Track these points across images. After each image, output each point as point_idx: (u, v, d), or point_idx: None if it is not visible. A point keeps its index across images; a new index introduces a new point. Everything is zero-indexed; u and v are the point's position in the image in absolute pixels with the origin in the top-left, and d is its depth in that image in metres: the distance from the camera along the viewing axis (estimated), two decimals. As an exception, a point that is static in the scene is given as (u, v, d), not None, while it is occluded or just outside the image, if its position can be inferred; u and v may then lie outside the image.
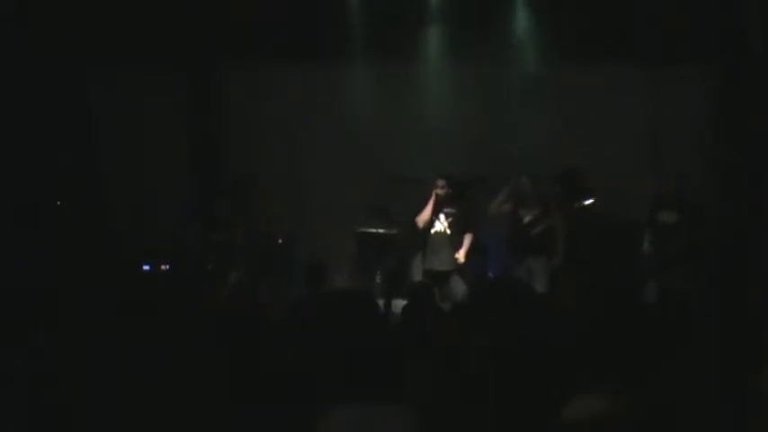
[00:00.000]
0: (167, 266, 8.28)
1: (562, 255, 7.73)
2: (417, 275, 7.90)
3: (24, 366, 4.19)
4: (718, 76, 8.89)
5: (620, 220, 8.30)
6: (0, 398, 3.82)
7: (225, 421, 3.50)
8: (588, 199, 8.18)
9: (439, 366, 3.72)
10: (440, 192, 7.72)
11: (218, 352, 3.84)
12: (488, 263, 8.41)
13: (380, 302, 7.46)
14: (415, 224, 7.84)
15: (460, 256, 7.70)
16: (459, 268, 7.69)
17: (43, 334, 4.70)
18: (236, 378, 3.61)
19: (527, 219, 7.84)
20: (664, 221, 7.63)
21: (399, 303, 6.92)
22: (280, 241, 8.57)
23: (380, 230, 8.50)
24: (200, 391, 3.58)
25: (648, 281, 7.43)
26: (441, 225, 7.76)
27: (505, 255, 8.07)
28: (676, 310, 4.52)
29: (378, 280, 8.34)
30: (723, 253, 8.01)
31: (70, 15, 8.64)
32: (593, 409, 3.11)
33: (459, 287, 7.58)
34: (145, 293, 6.11)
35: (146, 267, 8.31)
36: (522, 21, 8.96)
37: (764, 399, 3.42)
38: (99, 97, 9.15)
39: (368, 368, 3.24)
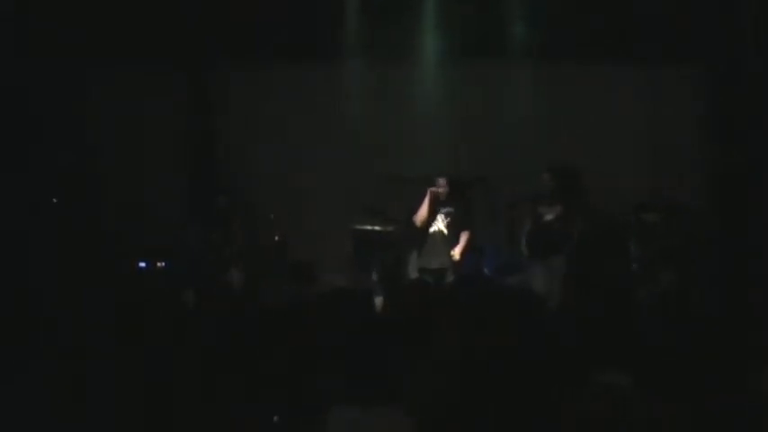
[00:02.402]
0: (163, 264, 8.25)
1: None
2: (413, 273, 7.90)
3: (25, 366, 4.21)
4: (718, 77, 8.87)
5: (620, 219, 8.30)
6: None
7: (224, 421, 3.50)
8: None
9: (436, 366, 3.72)
10: (436, 190, 7.74)
11: (217, 351, 3.84)
12: (484, 261, 8.41)
13: (377, 300, 7.48)
14: (412, 222, 7.85)
15: (456, 253, 7.70)
16: (455, 266, 7.69)
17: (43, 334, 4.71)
18: (235, 377, 3.60)
19: (548, 216, 7.79)
20: (645, 222, 7.65)
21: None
22: (276, 238, 8.54)
23: (377, 228, 8.49)
24: (200, 391, 3.58)
25: (635, 281, 7.45)
26: (438, 224, 7.77)
27: (524, 252, 8.02)
28: (672, 310, 4.53)
29: (374, 278, 8.32)
30: (723, 253, 8.01)
31: (70, 15, 8.64)
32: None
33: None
34: (143, 292, 6.11)
35: (141, 265, 8.28)
36: (521, 21, 8.94)
37: (764, 399, 3.43)
38: (99, 97, 9.13)
39: (365, 368, 3.24)
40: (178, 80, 9.25)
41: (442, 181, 7.77)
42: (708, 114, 8.91)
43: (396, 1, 9.00)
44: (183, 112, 9.31)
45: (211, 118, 9.43)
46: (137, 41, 8.80)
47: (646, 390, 3.32)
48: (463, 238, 7.76)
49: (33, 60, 8.58)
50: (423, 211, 7.77)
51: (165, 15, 8.85)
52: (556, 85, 8.88)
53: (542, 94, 8.87)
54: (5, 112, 8.45)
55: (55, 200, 8.61)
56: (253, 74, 9.27)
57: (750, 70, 8.59)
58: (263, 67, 9.21)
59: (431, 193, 7.75)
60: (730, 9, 8.68)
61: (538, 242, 7.80)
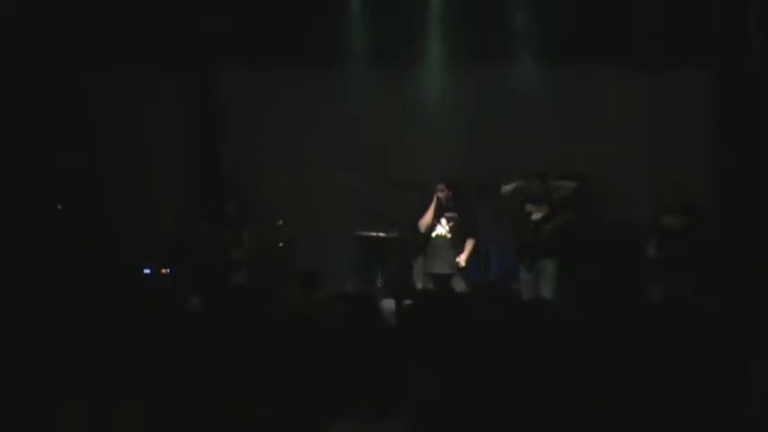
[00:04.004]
0: (168, 270, 8.24)
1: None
2: (419, 279, 7.91)
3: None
4: (719, 78, 8.87)
5: (622, 223, 8.30)
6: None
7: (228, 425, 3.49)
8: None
9: (439, 372, 3.72)
10: (440, 195, 7.75)
11: (224, 355, 3.84)
12: (490, 267, 8.40)
13: (382, 306, 7.48)
14: (416, 228, 7.85)
15: (461, 260, 7.71)
16: (460, 271, 7.70)
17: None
18: (241, 382, 3.60)
19: (536, 216, 7.74)
20: (668, 225, 7.63)
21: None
22: (281, 244, 8.52)
23: (382, 234, 8.48)
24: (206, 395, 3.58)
25: (654, 284, 7.43)
26: (442, 229, 7.78)
27: (514, 256, 7.98)
28: (680, 311, 4.53)
29: (379, 284, 8.32)
30: (724, 255, 8.01)
31: (71, 15, 8.64)
32: None
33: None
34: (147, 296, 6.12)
35: (146, 272, 8.26)
36: (522, 24, 8.93)
37: (765, 399, 3.44)
38: (103, 100, 9.13)
39: (368, 379, 3.23)
40: (178, 80, 9.24)
41: (441, 185, 7.78)
42: (708, 116, 8.90)
43: (398, 3, 8.99)
44: (183, 112, 9.30)
45: (211, 118, 9.42)
46: (137, 41, 8.80)
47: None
48: (468, 243, 7.76)
49: (33, 60, 8.58)
50: (427, 217, 7.78)
51: (165, 15, 8.84)
52: (559, 88, 8.88)
53: (546, 98, 8.86)
54: (6, 112, 8.44)
55: (60, 206, 8.59)
56: (253, 74, 9.26)
57: (750, 71, 8.60)
58: (263, 67, 9.20)
59: (437, 198, 7.76)
60: (730, 10, 8.69)
61: (527, 245, 7.76)
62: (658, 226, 7.68)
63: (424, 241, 7.83)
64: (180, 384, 3.53)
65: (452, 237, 7.76)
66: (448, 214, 7.78)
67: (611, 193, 8.46)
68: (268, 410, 3.33)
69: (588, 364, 3.59)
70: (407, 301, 6.85)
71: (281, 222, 8.48)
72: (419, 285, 7.83)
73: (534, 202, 7.74)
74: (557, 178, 7.90)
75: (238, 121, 9.32)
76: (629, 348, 3.77)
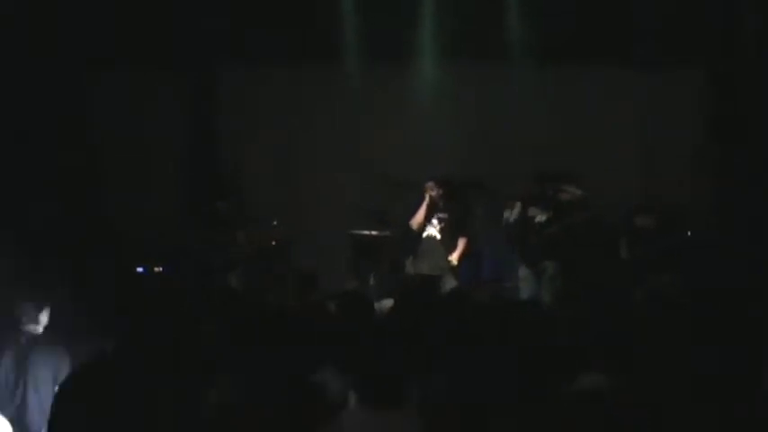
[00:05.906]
0: (161, 269, 8.24)
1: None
2: (409, 279, 7.89)
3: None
4: (717, 78, 8.88)
5: (615, 224, 8.30)
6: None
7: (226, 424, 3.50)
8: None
9: (435, 367, 3.73)
10: (431, 194, 7.73)
11: (220, 354, 3.84)
12: (482, 266, 8.40)
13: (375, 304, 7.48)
14: (409, 227, 7.85)
15: (453, 258, 7.70)
16: (452, 270, 7.69)
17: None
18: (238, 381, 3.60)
19: (539, 218, 7.74)
20: (638, 226, 7.63)
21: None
22: (273, 243, 8.53)
23: (375, 233, 8.49)
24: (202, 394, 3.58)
25: (629, 285, 7.44)
26: (433, 229, 7.77)
27: (509, 256, 7.99)
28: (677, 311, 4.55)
29: (372, 282, 8.32)
30: (722, 255, 8.01)
31: (71, 15, 8.64)
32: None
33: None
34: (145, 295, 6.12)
35: (140, 270, 8.27)
36: (522, 24, 8.94)
37: (765, 398, 3.45)
38: (99, 99, 9.14)
39: (373, 371, 3.25)
40: (178, 80, 9.26)
41: (430, 184, 7.77)
42: (706, 116, 8.91)
43: (397, 2, 8.99)
44: (183, 112, 9.31)
45: (211, 118, 9.43)
46: (137, 41, 8.80)
47: (629, 393, 3.35)
48: (461, 243, 7.75)
49: (33, 60, 8.58)
50: (419, 216, 7.79)
51: (165, 15, 8.85)
52: (554, 87, 8.88)
53: (541, 97, 8.86)
54: (6, 112, 8.45)
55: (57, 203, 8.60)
56: (253, 74, 9.27)
57: (749, 71, 8.61)
58: (262, 67, 9.21)
59: (429, 197, 7.76)
60: (729, 9, 8.70)
61: (529, 245, 7.76)
62: (630, 227, 7.68)
63: (416, 242, 7.82)
64: (179, 384, 3.53)
65: (443, 238, 7.75)
66: (439, 215, 7.78)
67: (609, 195, 8.45)
68: (268, 410, 3.34)
69: (582, 364, 3.61)
70: (395, 302, 6.87)
71: (275, 223, 8.49)
72: (408, 286, 7.82)
73: (537, 206, 7.75)
74: (560, 179, 7.89)
75: (238, 121, 9.33)
76: (626, 348, 3.78)
